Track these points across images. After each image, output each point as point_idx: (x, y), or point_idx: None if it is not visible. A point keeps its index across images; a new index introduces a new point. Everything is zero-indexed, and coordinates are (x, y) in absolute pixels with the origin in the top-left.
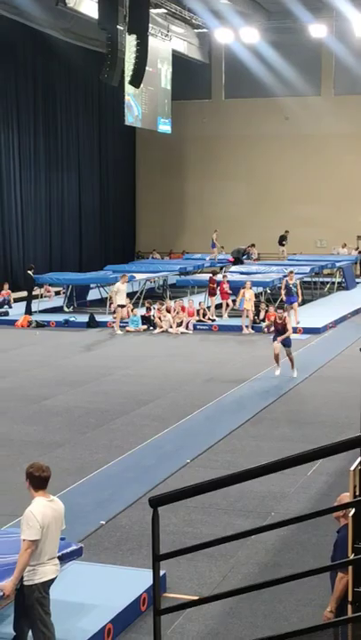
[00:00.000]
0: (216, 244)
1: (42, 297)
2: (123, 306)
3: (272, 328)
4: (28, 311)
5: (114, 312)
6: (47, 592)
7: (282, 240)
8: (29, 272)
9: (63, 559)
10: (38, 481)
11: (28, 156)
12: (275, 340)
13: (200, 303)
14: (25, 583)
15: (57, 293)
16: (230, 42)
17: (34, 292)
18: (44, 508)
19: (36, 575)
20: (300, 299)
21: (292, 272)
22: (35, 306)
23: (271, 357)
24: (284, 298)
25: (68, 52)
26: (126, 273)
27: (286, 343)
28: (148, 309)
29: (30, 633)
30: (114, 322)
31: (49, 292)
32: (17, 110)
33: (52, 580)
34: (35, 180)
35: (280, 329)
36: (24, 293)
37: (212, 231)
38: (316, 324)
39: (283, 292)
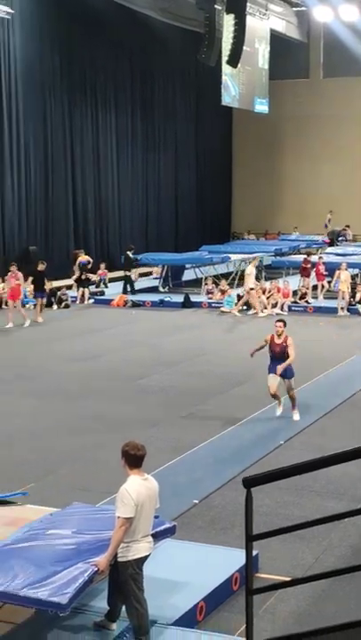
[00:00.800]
0: (328, 225)
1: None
2: (252, 289)
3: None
4: (131, 290)
5: (208, 293)
6: (140, 569)
7: None
8: (129, 253)
9: (157, 537)
10: (134, 459)
11: (125, 136)
12: (271, 370)
13: (302, 286)
14: (119, 559)
15: (144, 275)
16: (329, 20)
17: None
18: (138, 487)
19: (130, 552)
20: None
21: None
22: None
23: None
24: None
25: (165, 33)
26: (257, 254)
27: (287, 374)
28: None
29: (124, 608)
30: (209, 301)
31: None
32: (115, 91)
33: (145, 557)
34: (132, 160)
35: (278, 352)
36: (119, 273)
37: (309, 211)
38: None
39: None
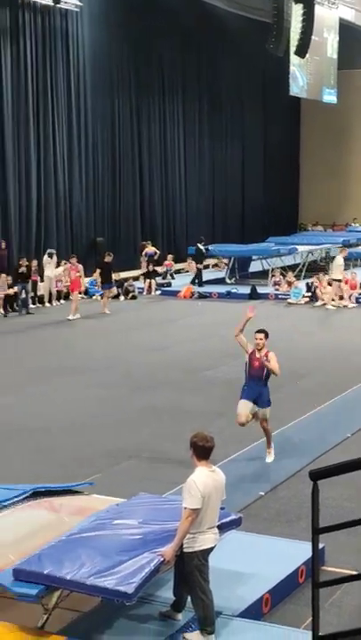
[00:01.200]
0: None
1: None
2: (339, 280)
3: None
4: (198, 282)
5: (275, 284)
6: (206, 560)
7: None
8: (199, 245)
9: (222, 528)
10: (202, 451)
11: (193, 128)
12: (245, 396)
13: None
14: (185, 550)
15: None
16: None
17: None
18: (205, 478)
19: (196, 543)
20: None
21: None
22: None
23: None
24: None
25: (232, 23)
26: (345, 246)
27: (262, 402)
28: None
29: (189, 599)
30: (276, 292)
31: (190, 265)
32: (182, 82)
33: (211, 549)
34: (199, 152)
35: (257, 368)
36: (184, 265)
37: None
38: None
39: None
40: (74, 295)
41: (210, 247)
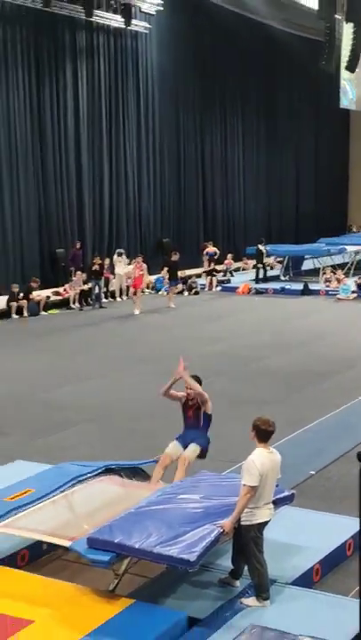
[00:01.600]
0: None
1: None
2: None
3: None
4: (256, 279)
5: (326, 281)
6: (261, 533)
7: None
8: (260, 245)
9: (277, 504)
10: (264, 434)
11: (251, 139)
12: (179, 438)
13: None
14: (242, 523)
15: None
16: None
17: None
18: (264, 458)
19: (253, 517)
20: None
21: None
22: (249, 275)
23: None
24: None
25: (286, 41)
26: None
27: (201, 442)
28: None
29: (246, 567)
30: (326, 289)
31: (246, 264)
32: (241, 98)
33: (266, 522)
34: (256, 161)
35: (192, 417)
36: (239, 263)
37: None
38: None
39: None
40: (135, 291)
41: (267, 247)
